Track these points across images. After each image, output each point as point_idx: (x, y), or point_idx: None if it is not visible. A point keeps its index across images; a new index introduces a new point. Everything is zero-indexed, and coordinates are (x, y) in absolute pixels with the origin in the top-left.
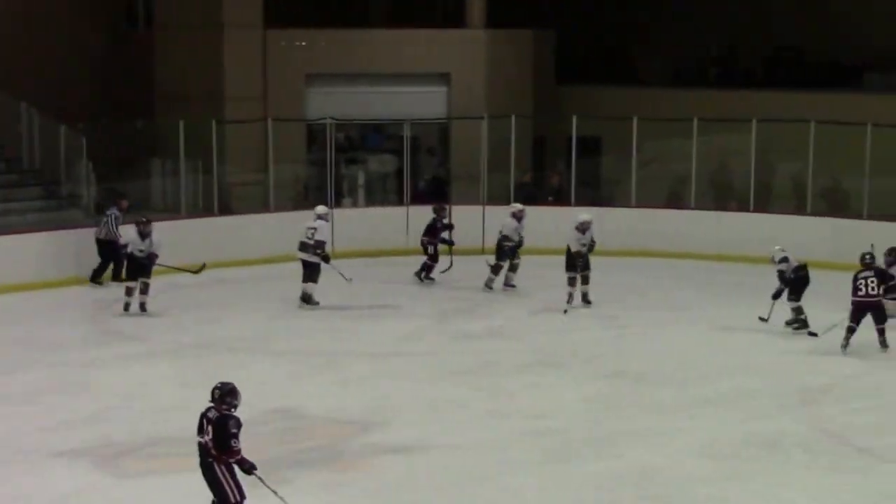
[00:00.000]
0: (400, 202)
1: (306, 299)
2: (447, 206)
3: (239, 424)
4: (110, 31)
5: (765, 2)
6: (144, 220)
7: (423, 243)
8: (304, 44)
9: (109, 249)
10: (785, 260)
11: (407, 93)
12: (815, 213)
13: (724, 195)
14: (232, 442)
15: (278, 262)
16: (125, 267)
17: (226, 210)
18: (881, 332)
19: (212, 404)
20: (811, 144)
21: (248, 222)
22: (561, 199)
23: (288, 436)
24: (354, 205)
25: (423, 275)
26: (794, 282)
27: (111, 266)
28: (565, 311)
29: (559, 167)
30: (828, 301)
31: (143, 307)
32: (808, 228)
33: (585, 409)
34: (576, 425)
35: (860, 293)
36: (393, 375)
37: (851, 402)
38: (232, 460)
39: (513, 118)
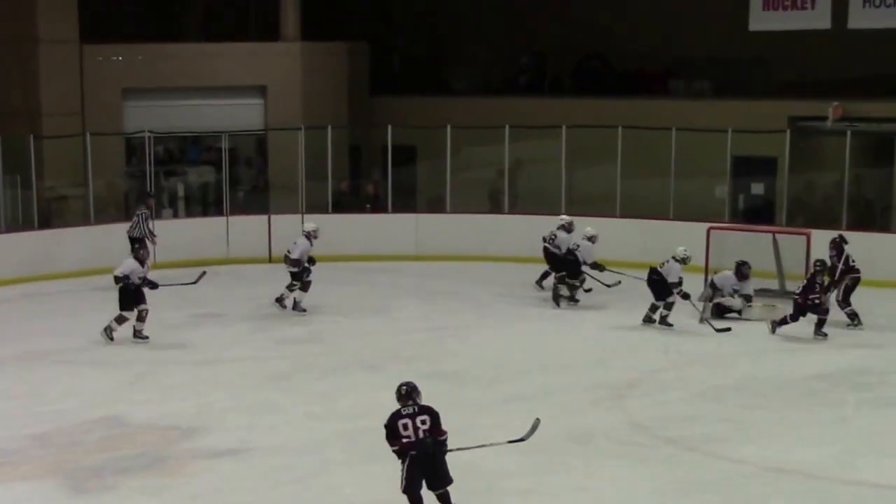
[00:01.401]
0: (220, 213)
1: (295, 307)
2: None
3: None
4: None
5: (571, 11)
6: (138, 245)
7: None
8: (120, 58)
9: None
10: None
11: (224, 105)
12: (624, 216)
13: (539, 200)
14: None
15: (99, 274)
16: (121, 297)
17: (45, 224)
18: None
19: (402, 406)
20: (619, 149)
21: (68, 235)
22: (378, 206)
23: (111, 443)
24: (175, 216)
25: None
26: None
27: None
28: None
29: (375, 176)
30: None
31: (140, 334)
32: (619, 230)
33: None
34: None
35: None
36: (215, 381)
37: (658, 395)
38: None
39: (329, 129)
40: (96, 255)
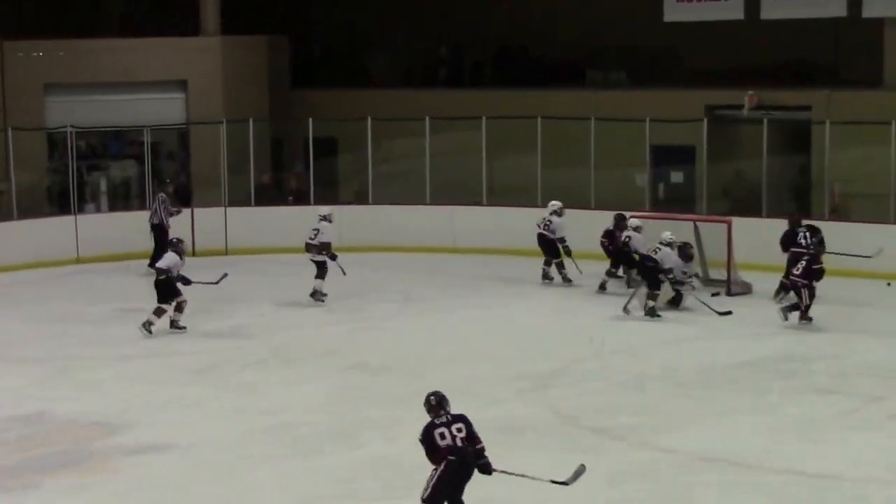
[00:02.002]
0: (143, 207)
1: (314, 295)
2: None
3: None
4: None
5: (490, 1)
6: (177, 239)
7: (602, 245)
8: (41, 54)
9: (161, 233)
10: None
11: (146, 100)
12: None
13: (457, 191)
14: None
15: (22, 269)
16: (161, 290)
17: None
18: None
19: (434, 417)
20: (539, 139)
21: None
22: (301, 199)
23: (32, 441)
24: (98, 210)
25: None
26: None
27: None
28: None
29: (297, 168)
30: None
31: (176, 324)
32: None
33: (325, 402)
34: (316, 419)
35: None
36: (135, 377)
37: (582, 384)
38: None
39: (250, 122)
40: (19, 250)
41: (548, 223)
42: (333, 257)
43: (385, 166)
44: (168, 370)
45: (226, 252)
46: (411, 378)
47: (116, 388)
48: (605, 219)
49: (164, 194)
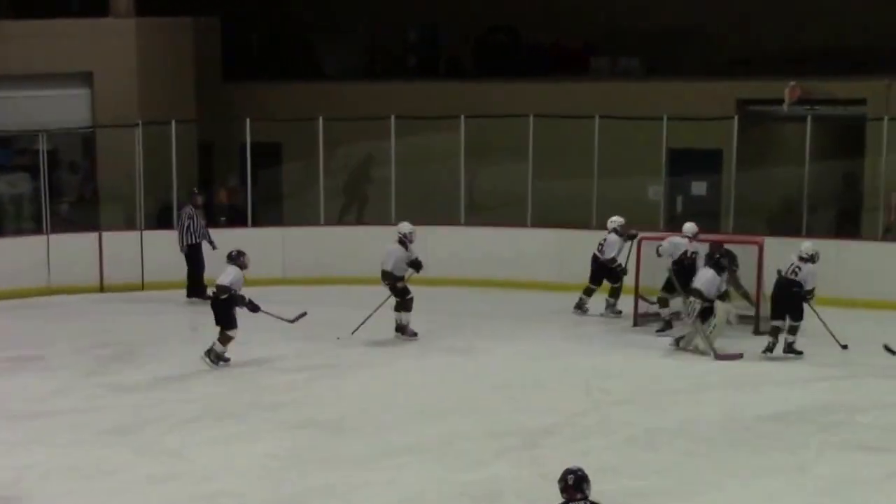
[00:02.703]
0: (39, 230)
1: (402, 331)
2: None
3: None
4: None
5: None
6: (238, 252)
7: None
8: None
9: (192, 254)
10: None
11: (41, 97)
12: (536, 224)
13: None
14: None
15: None
16: (221, 311)
17: None
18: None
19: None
20: (531, 142)
21: None
22: (235, 219)
23: None
24: None
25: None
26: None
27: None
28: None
29: (231, 181)
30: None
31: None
32: (530, 241)
33: (268, 466)
34: (256, 486)
35: None
36: (34, 440)
37: (579, 442)
38: None
39: (173, 124)
40: None
41: (601, 242)
42: (404, 288)
43: (341, 177)
44: (75, 431)
45: (142, 286)
46: (376, 436)
47: (11, 453)
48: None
49: (190, 208)
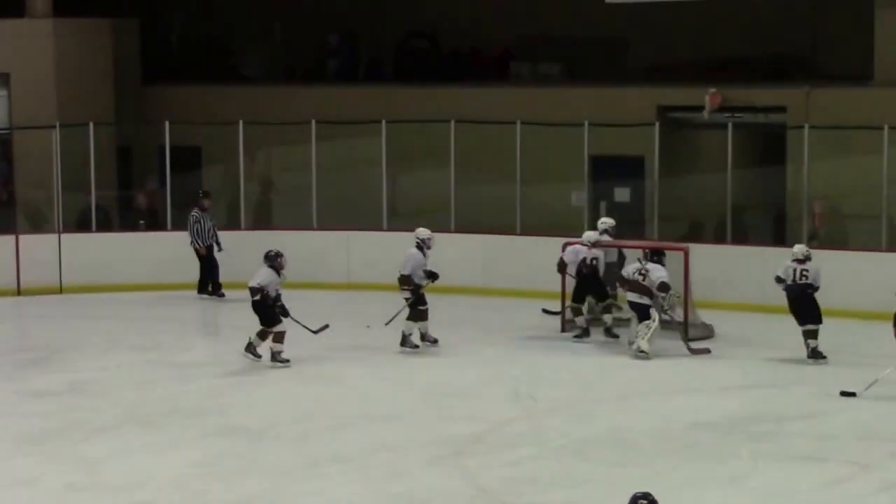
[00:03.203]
0: None
1: (422, 336)
2: None
3: None
4: None
5: None
6: (275, 252)
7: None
8: None
9: (204, 256)
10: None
11: None
12: (460, 230)
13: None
14: None
15: None
16: (263, 312)
17: None
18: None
19: None
20: (452, 147)
21: None
22: (154, 223)
23: None
24: None
25: None
26: None
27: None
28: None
29: (150, 184)
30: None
31: (254, 351)
32: (454, 247)
33: (188, 476)
34: (176, 497)
35: None
36: None
37: (509, 451)
38: None
39: (91, 126)
40: None
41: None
42: (417, 296)
43: (262, 181)
44: None
45: (60, 290)
46: (300, 445)
47: None
48: (534, 246)
49: (197, 210)
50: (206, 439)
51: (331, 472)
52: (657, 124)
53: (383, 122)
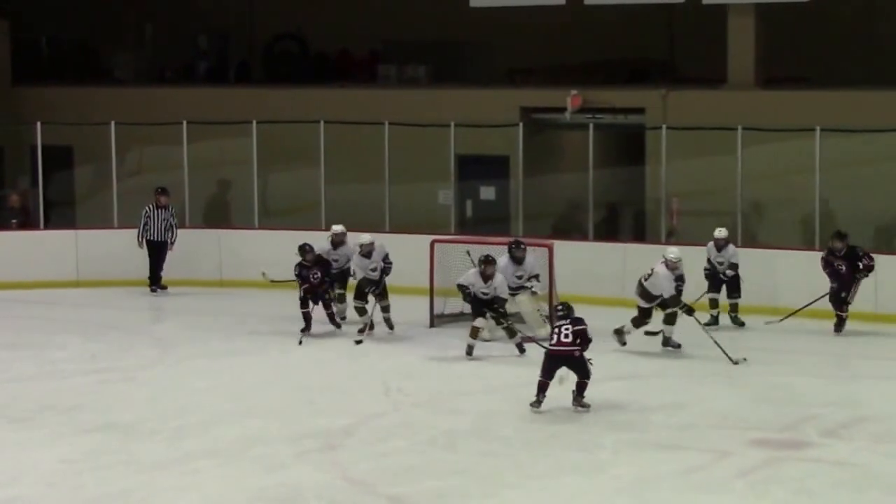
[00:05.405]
0: None
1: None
2: None
3: None
4: None
5: None
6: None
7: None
8: None
9: (152, 251)
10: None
11: None
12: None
13: (223, 211)
14: None
15: None
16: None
17: None
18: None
19: None
20: (322, 148)
21: None
22: (27, 222)
23: None
24: None
25: None
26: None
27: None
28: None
29: (22, 184)
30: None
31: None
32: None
33: (61, 472)
34: (51, 492)
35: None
36: None
37: (379, 444)
38: None
39: None
40: None
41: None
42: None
43: (133, 181)
44: None
45: None
46: (172, 440)
47: None
48: (404, 244)
49: (149, 207)
50: (78, 435)
51: (202, 466)
52: (521, 125)
53: (254, 122)
